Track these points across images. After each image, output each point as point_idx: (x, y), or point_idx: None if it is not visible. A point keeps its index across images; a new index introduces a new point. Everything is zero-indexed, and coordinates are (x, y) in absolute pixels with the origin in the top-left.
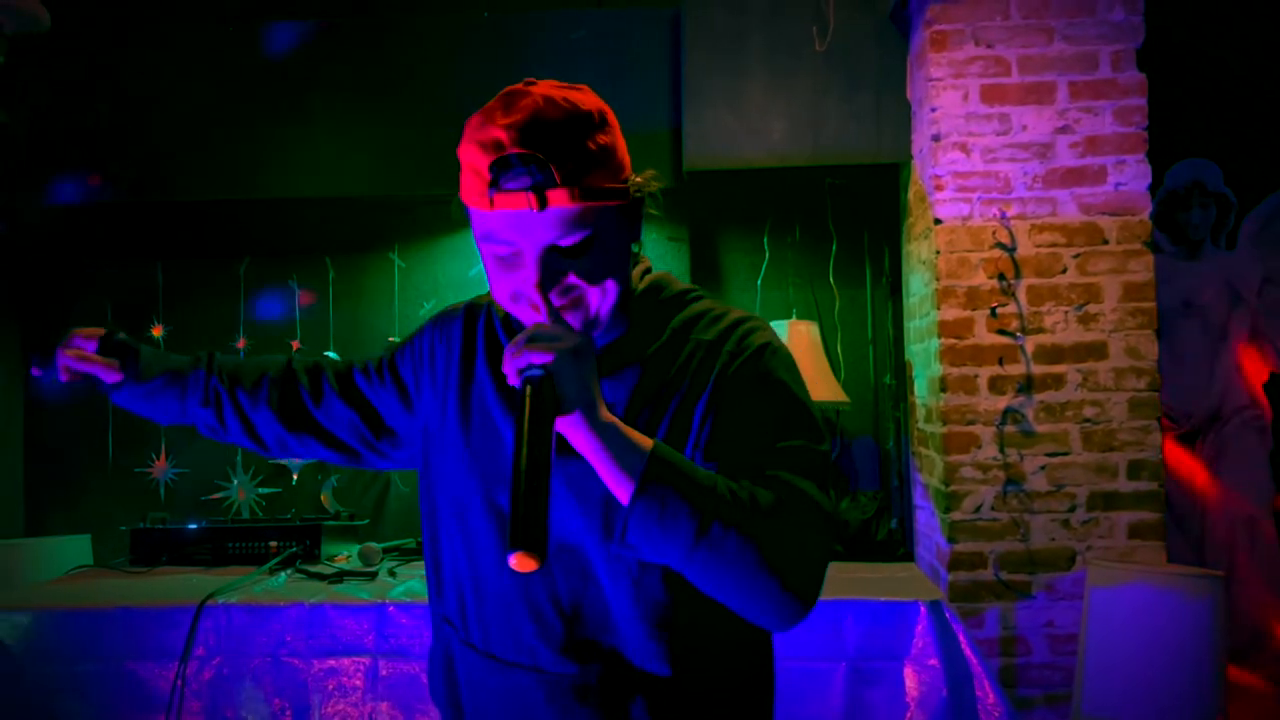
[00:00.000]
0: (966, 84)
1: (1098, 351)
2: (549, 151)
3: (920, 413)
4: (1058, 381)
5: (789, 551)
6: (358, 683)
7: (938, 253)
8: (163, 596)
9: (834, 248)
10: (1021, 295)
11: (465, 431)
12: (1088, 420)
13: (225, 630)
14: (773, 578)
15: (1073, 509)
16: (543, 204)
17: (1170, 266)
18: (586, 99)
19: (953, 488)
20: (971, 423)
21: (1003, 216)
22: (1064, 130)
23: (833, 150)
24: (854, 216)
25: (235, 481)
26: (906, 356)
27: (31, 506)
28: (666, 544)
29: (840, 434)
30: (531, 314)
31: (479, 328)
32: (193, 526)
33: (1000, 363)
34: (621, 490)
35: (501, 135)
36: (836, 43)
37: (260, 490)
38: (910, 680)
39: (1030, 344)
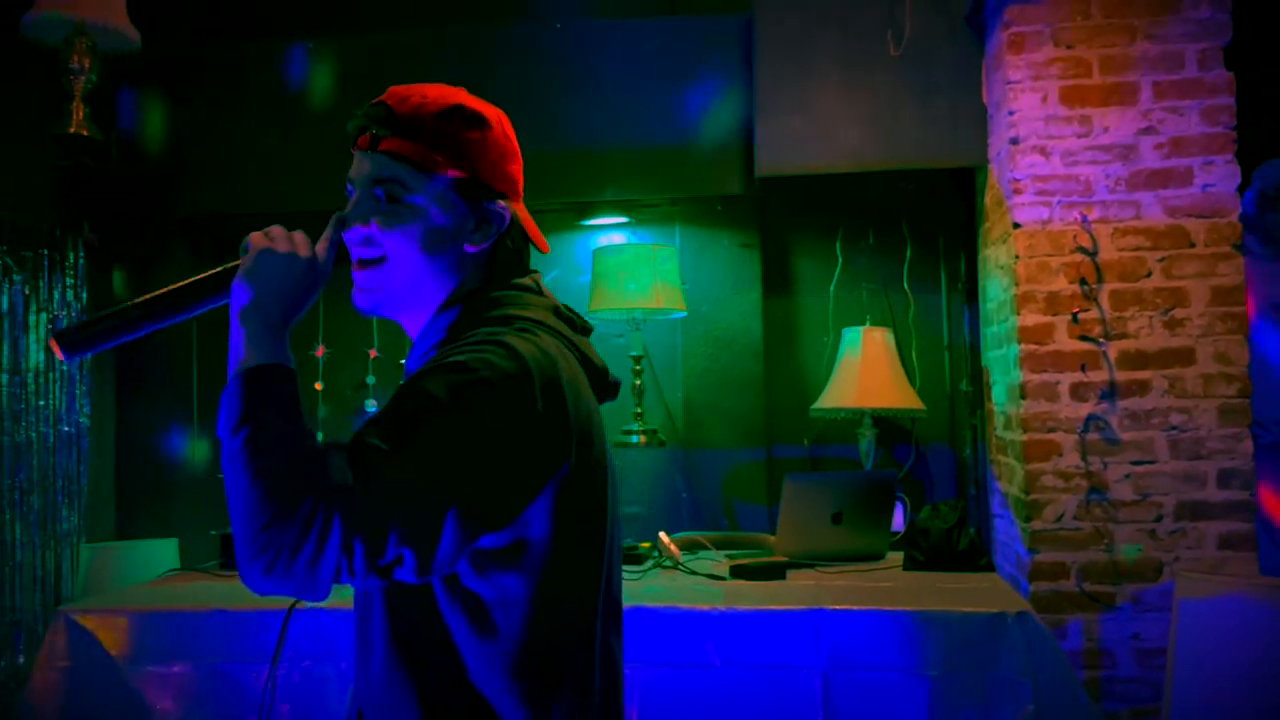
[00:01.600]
0: (1046, 86)
1: (1185, 357)
2: (390, 109)
3: (998, 420)
4: (1143, 388)
5: (275, 509)
6: None
7: (1016, 257)
8: (254, 600)
9: (908, 253)
10: (1104, 300)
11: None
12: (1174, 428)
13: (314, 633)
14: (249, 519)
15: (1159, 519)
16: (373, 146)
17: (1261, 270)
18: (467, 99)
19: (1033, 496)
20: (1052, 430)
21: (1084, 220)
22: (1148, 131)
23: (907, 155)
24: (928, 221)
25: None
26: (983, 363)
27: (122, 511)
28: (220, 427)
29: (915, 441)
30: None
31: None
32: None
33: (1083, 369)
34: (230, 372)
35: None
36: (910, 46)
37: None
38: (997, 694)
39: (1113, 350)
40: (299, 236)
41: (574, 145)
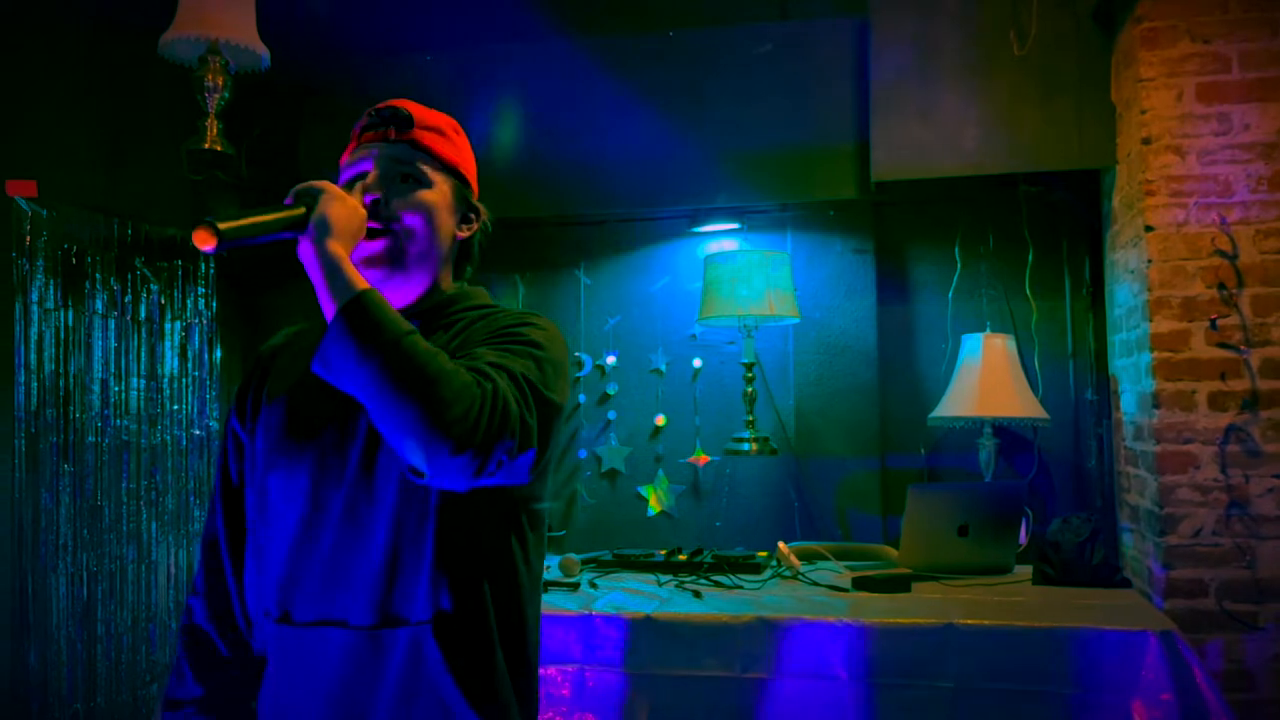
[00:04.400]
0: (1181, 83)
1: None
2: (407, 111)
3: (1128, 430)
4: None
5: (458, 390)
6: (565, 692)
7: (1149, 261)
8: None
9: (1030, 257)
10: (1245, 305)
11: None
12: None
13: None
14: (432, 409)
15: None
16: (400, 135)
17: None
18: (443, 114)
19: (1168, 510)
20: (1189, 441)
21: (1223, 222)
22: None
23: (1029, 157)
24: (1051, 225)
25: None
26: (1111, 371)
27: None
28: (355, 355)
29: (1039, 451)
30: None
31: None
32: None
33: (1222, 378)
34: (329, 309)
35: (384, 105)
36: (1034, 44)
37: None
38: (1139, 716)
39: (1256, 357)
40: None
41: (686, 152)
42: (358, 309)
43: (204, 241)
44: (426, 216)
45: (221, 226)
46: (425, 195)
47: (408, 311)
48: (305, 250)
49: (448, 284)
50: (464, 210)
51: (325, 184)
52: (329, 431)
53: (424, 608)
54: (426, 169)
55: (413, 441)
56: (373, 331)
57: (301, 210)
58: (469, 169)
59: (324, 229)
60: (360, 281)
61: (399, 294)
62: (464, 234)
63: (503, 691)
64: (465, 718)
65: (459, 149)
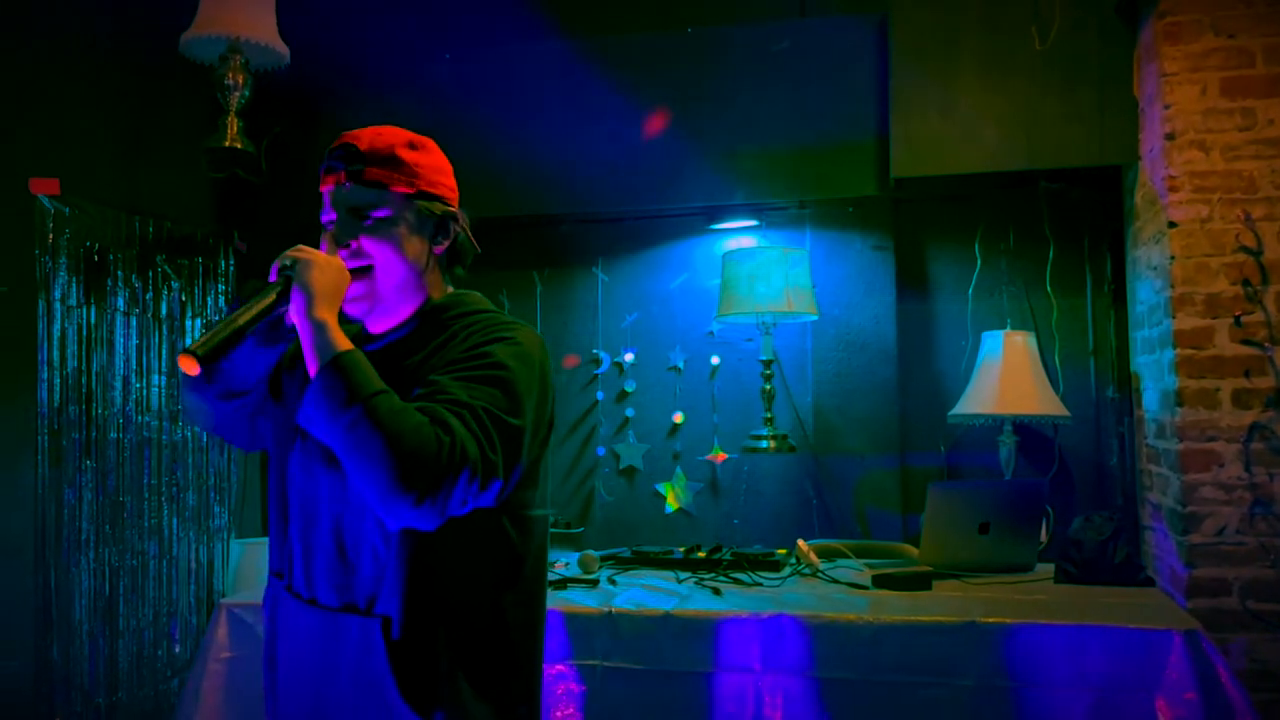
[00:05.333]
0: (1204, 78)
1: None
2: (356, 148)
3: (1150, 428)
4: None
5: (409, 450)
6: (584, 688)
7: (1172, 258)
8: None
9: (1051, 254)
10: (1270, 302)
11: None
12: None
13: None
14: (390, 468)
15: None
16: (351, 179)
17: None
18: (406, 132)
19: (1190, 509)
20: (1212, 439)
21: (1247, 218)
22: None
23: (1051, 153)
24: (1072, 221)
25: None
26: (1133, 368)
27: (267, 508)
28: (326, 416)
29: (1059, 449)
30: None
31: None
32: None
33: (1246, 375)
34: (312, 369)
35: (342, 140)
36: (1056, 39)
37: None
38: (1163, 715)
39: None
40: (320, 249)
41: (704, 149)
42: (330, 375)
43: (189, 368)
44: (393, 249)
45: (201, 352)
46: (389, 230)
47: (402, 326)
48: (292, 319)
49: (439, 293)
50: (434, 227)
51: (303, 251)
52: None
53: (383, 601)
54: (386, 204)
55: (375, 496)
56: (341, 397)
57: (278, 287)
58: (434, 182)
59: (307, 299)
60: (340, 343)
61: (389, 319)
62: (441, 247)
63: (459, 696)
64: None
65: (418, 168)
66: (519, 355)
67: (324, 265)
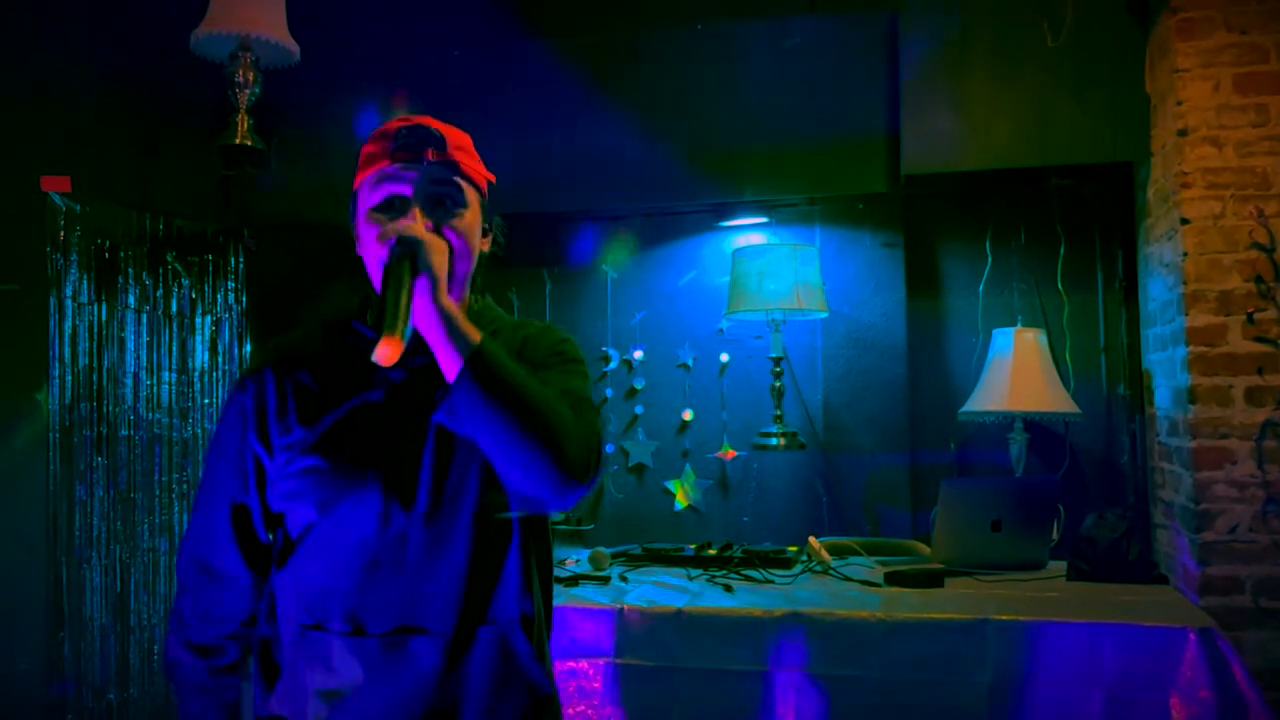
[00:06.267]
0: (1217, 74)
1: None
2: (439, 132)
3: (1161, 425)
4: None
5: (572, 432)
6: (597, 685)
7: (1185, 255)
8: None
9: (1062, 251)
10: None
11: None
12: None
13: None
14: (563, 451)
15: None
16: (439, 153)
17: None
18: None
19: (1203, 506)
20: (1225, 436)
21: (1260, 215)
22: None
23: (1062, 149)
24: (1083, 218)
25: None
26: (1144, 366)
27: None
28: (484, 407)
29: (1070, 447)
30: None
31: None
32: None
33: (1259, 372)
34: (451, 361)
35: (410, 122)
36: (1067, 36)
37: None
38: (1177, 713)
39: None
40: (420, 226)
41: (713, 146)
42: (481, 363)
43: (396, 348)
44: (468, 237)
45: (400, 330)
46: (465, 216)
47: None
48: (421, 306)
49: (470, 297)
50: (485, 224)
51: (419, 231)
52: (395, 454)
53: (510, 607)
54: (466, 193)
55: (539, 480)
56: (498, 384)
57: (406, 268)
58: (483, 181)
59: (433, 284)
60: (474, 333)
61: None
62: (485, 247)
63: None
64: (545, 693)
65: (479, 163)
66: (579, 352)
67: (440, 248)
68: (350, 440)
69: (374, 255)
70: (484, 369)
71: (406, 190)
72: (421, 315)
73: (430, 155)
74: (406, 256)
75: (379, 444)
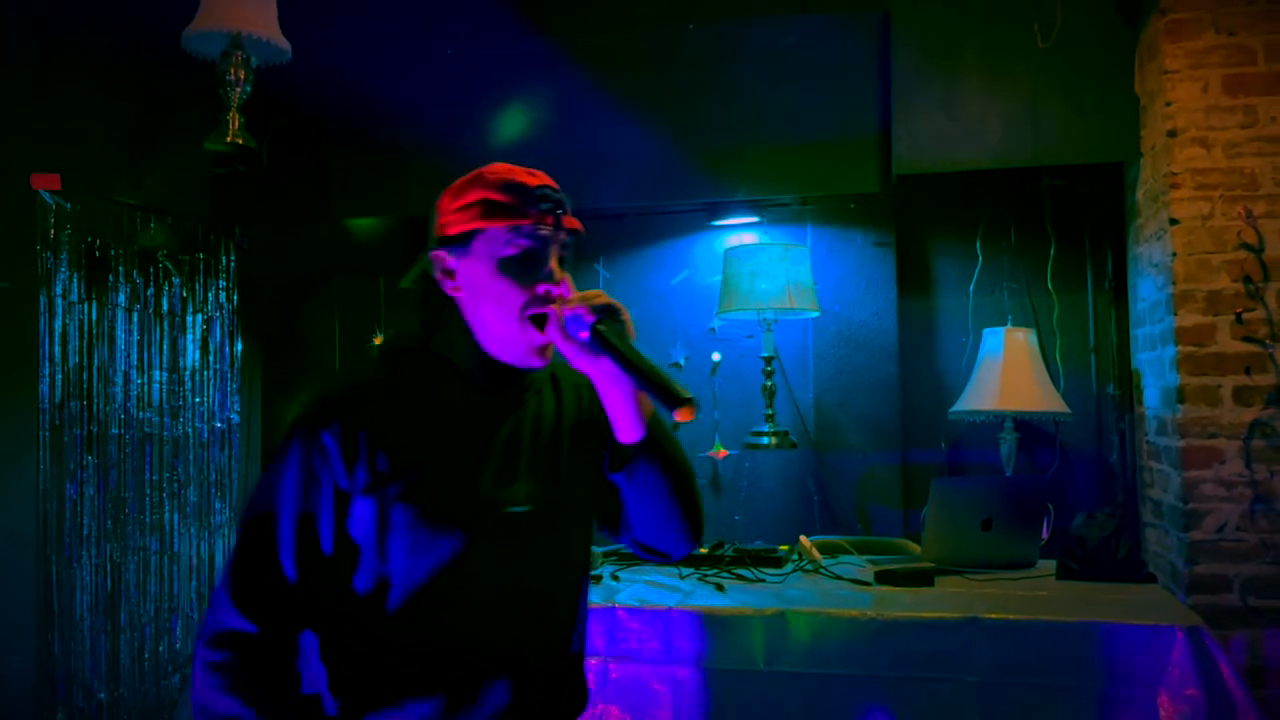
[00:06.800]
0: (1206, 75)
1: None
2: (567, 199)
3: (1150, 425)
4: None
5: (700, 498)
6: (589, 684)
7: (1174, 255)
8: None
9: (1052, 251)
10: (1271, 299)
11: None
12: None
13: None
14: (700, 514)
15: None
16: (569, 220)
17: None
18: None
19: (1192, 505)
20: (1213, 436)
21: (1248, 215)
22: None
23: (1053, 150)
24: (1074, 218)
25: None
26: (1133, 365)
27: None
28: (669, 467)
29: (1060, 446)
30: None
31: (376, 414)
32: None
33: (1247, 372)
34: (630, 424)
35: (538, 179)
36: (1058, 37)
37: None
38: (1165, 711)
39: None
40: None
41: (705, 145)
42: (664, 432)
43: (693, 410)
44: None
45: (686, 394)
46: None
47: (539, 377)
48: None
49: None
50: None
51: (612, 301)
52: (498, 502)
53: (579, 641)
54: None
55: (682, 536)
56: (673, 451)
57: (622, 335)
58: None
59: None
60: (647, 402)
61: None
62: None
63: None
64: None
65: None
66: None
67: (626, 314)
68: (450, 492)
69: (500, 298)
70: (665, 438)
71: (545, 250)
72: (620, 377)
73: (566, 223)
74: (616, 323)
75: (479, 495)
